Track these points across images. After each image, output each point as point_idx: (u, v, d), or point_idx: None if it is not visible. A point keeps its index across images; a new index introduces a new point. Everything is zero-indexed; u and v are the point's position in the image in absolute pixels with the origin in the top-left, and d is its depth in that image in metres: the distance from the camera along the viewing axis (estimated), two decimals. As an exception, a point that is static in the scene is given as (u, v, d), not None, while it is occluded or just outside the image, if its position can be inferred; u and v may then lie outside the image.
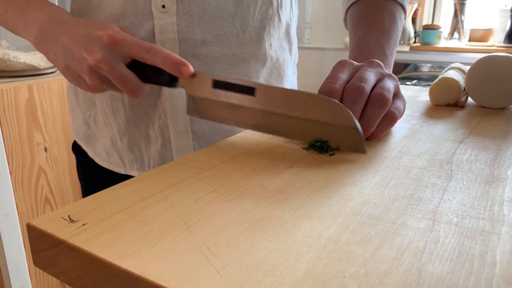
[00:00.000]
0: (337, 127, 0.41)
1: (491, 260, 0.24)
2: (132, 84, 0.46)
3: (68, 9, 0.60)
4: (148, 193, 0.32)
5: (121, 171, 0.64)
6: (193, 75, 0.45)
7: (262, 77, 0.62)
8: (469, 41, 1.98)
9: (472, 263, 0.24)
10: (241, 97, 0.43)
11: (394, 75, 0.47)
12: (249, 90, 0.43)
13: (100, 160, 0.66)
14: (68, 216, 0.29)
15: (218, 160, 0.40)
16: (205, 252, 0.25)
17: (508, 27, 1.87)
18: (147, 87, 0.48)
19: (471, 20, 2.00)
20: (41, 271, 1.26)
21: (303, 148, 0.43)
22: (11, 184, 1.12)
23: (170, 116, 0.58)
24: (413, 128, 0.51)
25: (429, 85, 0.59)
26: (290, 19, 0.67)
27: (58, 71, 1.28)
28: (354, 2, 0.64)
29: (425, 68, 2.14)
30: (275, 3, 0.61)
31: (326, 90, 0.42)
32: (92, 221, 0.28)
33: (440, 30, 1.98)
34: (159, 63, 0.45)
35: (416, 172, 0.37)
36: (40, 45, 0.52)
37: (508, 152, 0.42)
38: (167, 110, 0.58)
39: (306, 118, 0.42)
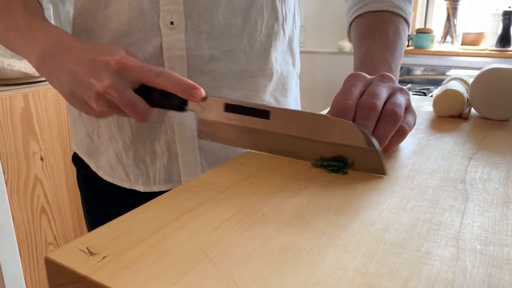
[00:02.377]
0: (356, 149, 0.41)
1: (522, 293, 0.24)
2: (140, 109, 0.45)
3: (65, 22, 0.59)
4: (166, 220, 0.32)
5: (126, 185, 0.63)
6: (204, 99, 0.45)
7: (268, 92, 0.62)
8: (461, 44, 2.00)
9: (504, 297, 0.23)
10: (255, 120, 0.43)
11: (405, 89, 0.47)
12: (263, 114, 0.42)
13: (104, 174, 0.65)
14: (87, 248, 0.28)
15: (231, 181, 0.39)
16: None
17: (499, 31, 1.89)
18: (155, 111, 0.47)
19: (464, 24, 2.01)
20: (38, 283, 1.24)
21: (312, 165, 0.43)
22: (6, 194, 1.10)
23: (178, 132, 0.58)
24: (421, 143, 0.51)
25: (423, 89, 0.59)
26: (293, 31, 0.67)
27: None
28: (358, 16, 0.64)
29: (418, 72, 2.16)
30: (280, 18, 0.61)
31: (341, 107, 0.42)
32: (112, 253, 0.27)
33: (433, 33, 2.00)
34: (170, 88, 0.44)
35: (432, 192, 0.37)
36: (42, 69, 0.51)
37: (519, 169, 0.42)
38: (174, 126, 0.57)
39: (325, 141, 0.42)
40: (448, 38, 2.01)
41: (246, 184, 0.39)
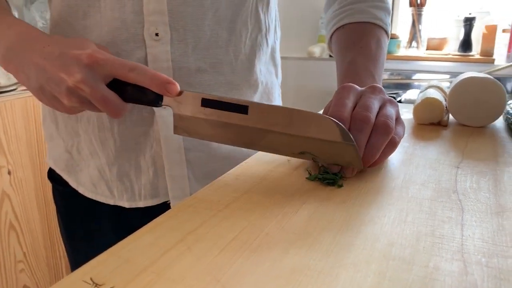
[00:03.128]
0: (332, 144, 0.41)
1: (533, 306, 0.24)
2: (114, 104, 0.44)
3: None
4: (169, 244, 0.31)
5: (110, 202, 0.61)
6: (179, 93, 0.44)
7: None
8: (426, 49, 2.07)
9: (517, 311, 0.24)
10: (233, 115, 0.43)
11: (394, 100, 0.47)
12: (242, 108, 0.42)
13: (85, 190, 0.63)
14: (91, 279, 0.27)
15: (229, 197, 0.39)
16: (250, 315, 0.24)
17: (461, 36, 1.96)
18: (129, 106, 0.46)
19: (428, 30, 2.08)
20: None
21: (307, 178, 0.43)
22: (-29, 212, 1.04)
23: (164, 145, 0.56)
24: (407, 152, 0.52)
25: (392, 94, 0.60)
26: (275, 42, 0.67)
27: (20, 89, 1.21)
28: (340, 27, 0.65)
29: (385, 76, 2.21)
30: (263, 29, 0.61)
31: (337, 118, 0.42)
32: (119, 283, 0.26)
33: (399, 39, 2.06)
34: (145, 83, 0.43)
35: (428, 204, 0.38)
36: (8, 65, 0.48)
37: (504, 177, 0.44)
38: (161, 140, 0.56)
39: (302, 135, 0.42)
40: (414, 43, 2.07)
41: (244, 201, 0.38)
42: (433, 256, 0.29)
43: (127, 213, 0.61)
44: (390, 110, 0.45)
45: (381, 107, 0.45)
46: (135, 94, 0.45)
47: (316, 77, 2.11)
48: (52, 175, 0.69)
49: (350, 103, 0.44)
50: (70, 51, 0.44)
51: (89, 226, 0.67)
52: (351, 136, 0.41)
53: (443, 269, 0.28)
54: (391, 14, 0.67)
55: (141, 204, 0.60)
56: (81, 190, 0.63)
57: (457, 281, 0.27)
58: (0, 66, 0.50)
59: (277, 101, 0.70)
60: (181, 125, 0.45)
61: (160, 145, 0.57)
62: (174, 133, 0.46)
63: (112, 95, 0.44)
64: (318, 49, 2.09)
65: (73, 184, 0.64)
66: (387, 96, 0.47)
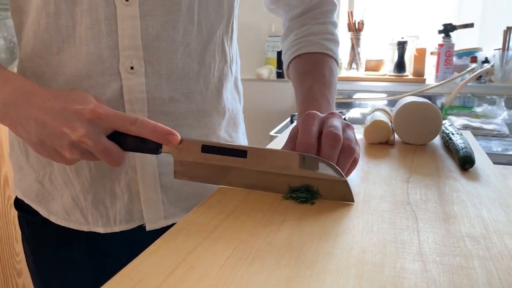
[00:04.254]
0: (327, 181, 0.47)
1: (479, 292, 0.31)
2: (115, 155, 0.46)
3: None
4: (173, 265, 0.34)
5: (84, 228, 0.62)
6: (180, 142, 0.47)
7: (222, 128, 0.66)
8: (365, 70, 2.23)
9: (468, 297, 0.30)
10: (232, 160, 0.47)
11: (351, 124, 0.54)
12: (241, 153, 0.47)
13: (57, 219, 0.63)
14: (111, 300, 0.30)
15: (216, 219, 0.43)
16: (260, 318, 0.28)
17: (395, 58, 2.14)
18: (129, 155, 0.49)
19: (366, 52, 2.25)
20: None
21: (283, 197, 0.48)
22: None
23: (140, 171, 0.59)
24: (363, 170, 0.59)
25: (339, 112, 0.67)
26: (237, 71, 0.73)
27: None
28: (296, 56, 0.72)
29: (329, 95, 2.35)
30: (228, 60, 0.66)
31: (305, 144, 0.48)
32: (138, 302, 0.29)
33: (341, 61, 2.20)
34: (146, 135, 0.46)
35: (388, 215, 0.44)
36: (5, 119, 0.50)
37: (446, 189, 0.52)
38: (136, 166, 0.59)
39: (298, 175, 0.47)
40: (354, 65, 2.22)
41: (231, 221, 0.42)
42: (399, 259, 0.35)
43: (101, 238, 0.63)
44: (350, 134, 0.51)
45: (343, 130, 0.51)
46: (136, 144, 0.48)
47: (264, 98, 2.19)
48: (19, 204, 0.68)
49: (315, 129, 0.50)
50: (72, 106, 0.46)
51: (60, 254, 0.67)
52: (343, 174, 0.47)
53: (407, 268, 0.34)
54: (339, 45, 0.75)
55: (116, 229, 0.62)
56: (53, 219, 0.63)
57: (420, 278, 0.33)
58: None
59: (242, 125, 0.75)
60: (181, 170, 0.49)
61: (135, 171, 0.59)
62: (175, 177, 0.50)
63: (113, 147, 0.47)
64: (266, 71, 2.18)
65: (44, 213, 0.64)
66: (345, 121, 0.54)
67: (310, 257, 0.35)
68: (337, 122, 0.51)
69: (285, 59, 0.76)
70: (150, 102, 0.58)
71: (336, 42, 0.75)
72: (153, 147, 0.48)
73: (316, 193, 0.47)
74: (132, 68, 0.56)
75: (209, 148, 0.47)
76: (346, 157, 0.49)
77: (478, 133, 1.56)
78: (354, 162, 0.51)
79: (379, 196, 0.49)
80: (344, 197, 0.47)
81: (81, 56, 0.56)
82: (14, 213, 1.23)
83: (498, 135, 1.56)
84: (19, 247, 1.40)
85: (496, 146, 1.46)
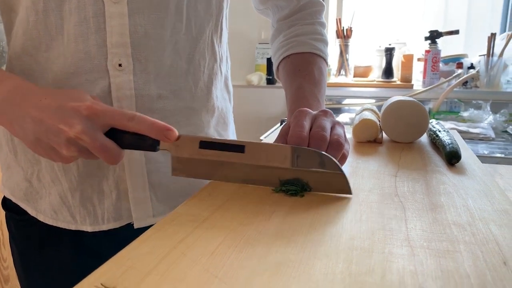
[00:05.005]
0: (325, 174, 0.47)
1: (465, 273, 0.31)
2: (112, 152, 0.46)
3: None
4: (164, 252, 0.34)
5: (71, 227, 0.62)
6: (177, 138, 0.48)
7: (212, 127, 0.67)
8: (354, 76, 2.25)
9: (454, 277, 0.31)
10: (230, 155, 0.47)
11: (341, 122, 0.55)
12: (239, 148, 0.47)
13: (45, 217, 0.63)
14: (101, 284, 0.30)
15: (207, 211, 0.43)
16: (250, 299, 0.28)
17: (383, 65, 2.17)
18: (126, 152, 0.49)
19: (354, 59, 2.28)
20: None
21: (273, 190, 0.49)
22: None
23: (128, 169, 0.59)
24: (352, 165, 0.60)
25: None
26: (227, 71, 0.73)
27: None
28: (286, 57, 0.73)
29: (319, 101, 2.37)
30: (218, 59, 0.67)
31: (297, 137, 0.48)
32: (129, 285, 0.29)
33: (330, 67, 2.22)
34: (144, 131, 0.47)
35: (376, 206, 0.45)
36: (1, 118, 0.49)
37: (433, 182, 0.53)
38: (124, 164, 0.59)
39: (295, 168, 0.47)
40: (342, 71, 2.25)
41: (222, 213, 0.43)
42: (387, 245, 0.36)
43: (89, 237, 0.62)
44: (339, 130, 0.52)
45: (332, 128, 0.52)
46: (133, 141, 0.48)
47: (254, 103, 2.20)
48: (6, 204, 0.68)
49: (307, 124, 0.51)
50: (68, 104, 0.46)
51: (48, 254, 0.66)
52: (341, 167, 0.47)
53: (395, 253, 0.34)
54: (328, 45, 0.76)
55: (104, 227, 0.62)
56: (41, 218, 0.63)
57: (407, 261, 0.33)
58: None
59: (231, 125, 0.75)
60: (179, 167, 0.49)
61: (124, 168, 0.59)
62: (172, 175, 0.50)
63: (110, 144, 0.47)
64: (256, 77, 2.19)
65: (32, 212, 0.64)
66: (335, 119, 0.55)
67: (300, 244, 0.36)
68: (326, 122, 0.52)
69: (275, 60, 0.77)
70: (138, 99, 0.58)
71: (325, 42, 0.76)
72: (150, 144, 0.48)
73: (305, 185, 0.48)
74: (120, 65, 0.56)
75: (207, 144, 0.48)
76: (334, 151, 0.49)
77: (465, 136, 1.58)
78: (343, 158, 0.52)
79: (368, 189, 0.50)
80: (342, 189, 0.48)
81: (69, 53, 0.56)
82: (1, 218, 1.21)
83: (485, 139, 1.58)
84: (6, 253, 1.37)
85: (483, 149, 1.48)
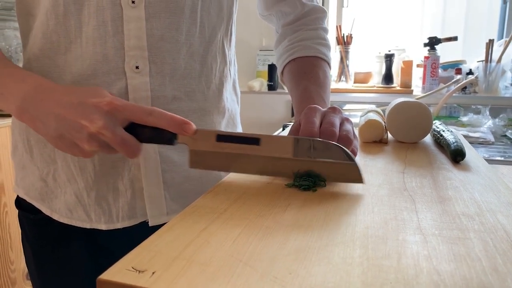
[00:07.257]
0: (338, 164, 0.49)
1: (476, 257, 0.33)
2: (132, 146, 0.48)
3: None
4: (188, 239, 0.36)
5: (86, 225, 0.63)
6: (195, 132, 0.49)
7: (222, 127, 0.69)
8: (354, 82, 2.28)
9: (466, 261, 0.33)
10: (246, 147, 0.49)
11: (349, 119, 0.57)
12: (254, 141, 0.49)
13: (60, 216, 0.64)
14: (133, 267, 0.31)
15: (225, 204, 0.45)
16: (275, 281, 0.30)
17: (383, 71, 2.20)
18: (145, 146, 0.51)
19: (355, 65, 2.31)
20: None
21: (286, 185, 0.50)
22: None
23: (143, 168, 0.61)
24: (360, 163, 0.61)
25: None
26: (235, 74, 0.75)
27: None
28: (291, 60, 0.75)
29: (319, 107, 2.39)
30: (228, 62, 0.69)
31: (309, 132, 0.50)
32: (159, 269, 0.31)
33: (330, 74, 2.25)
34: (163, 125, 0.48)
35: (387, 199, 0.46)
36: (23, 115, 0.51)
37: (440, 177, 0.54)
38: (140, 163, 0.60)
39: (310, 160, 0.49)
40: (343, 77, 2.27)
41: (238, 206, 0.44)
42: (400, 233, 0.38)
43: (103, 235, 0.64)
44: (348, 126, 0.54)
45: (341, 124, 0.54)
46: (152, 135, 0.49)
47: (256, 109, 2.23)
48: (20, 203, 0.69)
49: (317, 120, 0.53)
50: (90, 100, 0.48)
51: (62, 252, 0.67)
52: (353, 157, 0.49)
53: (409, 240, 0.36)
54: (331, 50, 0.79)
55: (119, 225, 0.63)
56: (55, 217, 0.64)
57: (421, 247, 0.35)
58: (14, 117, 0.52)
59: (239, 126, 0.77)
60: (197, 160, 0.51)
61: (139, 167, 0.61)
62: (190, 167, 0.51)
63: (130, 138, 0.48)
64: (257, 84, 2.22)
65: (46, 211, 0.65)
66: (344, 115, 0.56)
67: (317, 233, 0.38)
68: (335, 118, 0.54)
69: (280, 63, 0.79)
70: (154, 100, 0.60)
71: (328, 47, 0.78)
72: (168, 138, 0.49)
73: (318, 179, 0.50)
74: (137, 67, 0.58)
75: (224, 137, 0.49)
76: (344, 146, 0.51)
77: (465, 140, 1.60)
78: (353, 153, 0.53)
79: (377, 184, 0.52)
80: (355, 178, 0.49)
81: (88, 55, 0.58)
82: (9, 220, 1.22)
83: (484, 143, 1.61)
84: (13, 256, 1.38)
85: (483, 153, 1.50)
